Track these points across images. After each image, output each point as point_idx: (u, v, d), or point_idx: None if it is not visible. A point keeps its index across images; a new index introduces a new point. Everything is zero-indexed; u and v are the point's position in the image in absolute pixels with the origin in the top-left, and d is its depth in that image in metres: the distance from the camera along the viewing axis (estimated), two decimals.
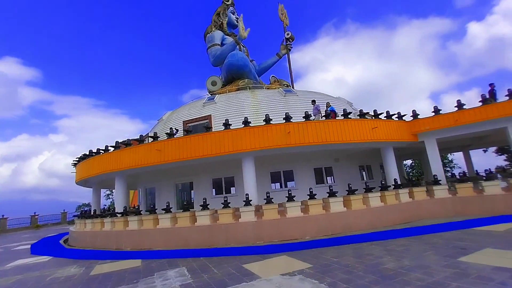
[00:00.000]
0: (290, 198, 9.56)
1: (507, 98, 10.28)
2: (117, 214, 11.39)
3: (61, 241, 14.06)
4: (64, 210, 32.44)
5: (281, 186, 13.69)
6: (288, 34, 26.62)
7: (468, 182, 10.46)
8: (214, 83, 21.19)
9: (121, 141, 14.09)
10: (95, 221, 11.74)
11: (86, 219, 12.65)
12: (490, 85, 11.69)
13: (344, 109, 11.20)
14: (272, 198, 9.59)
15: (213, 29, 26.11)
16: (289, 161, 13.33)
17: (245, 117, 10.55)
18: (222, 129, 10.63)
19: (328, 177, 14.04)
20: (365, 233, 8.67)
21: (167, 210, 10.24)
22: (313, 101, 12.85)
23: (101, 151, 12.91)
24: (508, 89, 10.39)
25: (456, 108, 11.09)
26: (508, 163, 33.87)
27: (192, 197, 15.22)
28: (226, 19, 26.78)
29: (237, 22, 27.79)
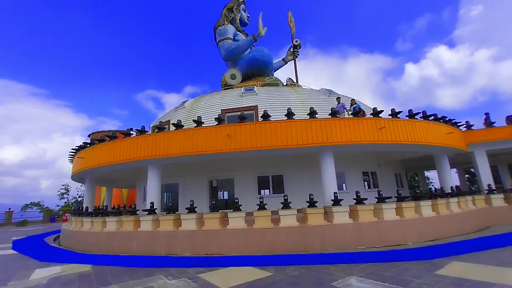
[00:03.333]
0: (381, 200, 8.69)
1: None
2: (155, 211, 9.08)
3: (55, 244, 10.72)
4: (9, 208, 26.11)
5: None
6: (296, 41, 26.32)
7: None
8: (233, 77, 19.68)
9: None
10: (125, 219, 9.13)
11: (100, 216, 9.83)
12: (486, 114, 12.98)
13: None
14: (366, 199, 8.57)
15: (225, 23, 24.77)
16: (340, 162, 12.49)
17: (332, 108, 9.46)
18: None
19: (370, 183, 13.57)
20: (464, 239, 8.18)
21: (236, 207, 8.43)
22: (338, 98, 12.14)
23: (133, 132, 10.37)
24: None
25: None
26: (468, 183, 38.49)
27: (219, 197, 13.26)
28: (239, 15, 25.82)
29: (247, 20, 27.13)
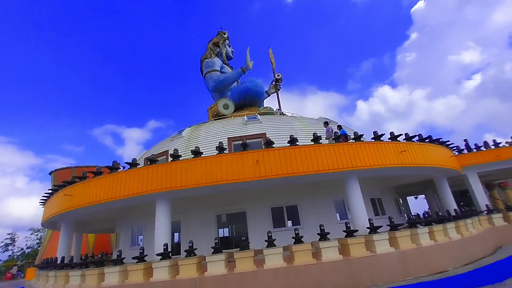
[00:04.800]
0: (412, 225, 8.52)
1: None
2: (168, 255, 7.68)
3: None
4: None
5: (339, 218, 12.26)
6: (278, 76, 27.49)
7: None
8: (226, 106, 19.43)
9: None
10: (131, 267, 7.50)
11: (95, 267, 7.98)
12: (465, 140, 14.44)
13: (354, 132, 10.64)
14: (402, 225, 8.32)
15: (212, 56, 25.46)
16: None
17: (354, 132, 9.52)
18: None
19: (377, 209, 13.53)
20: (497, 260, 8.22)
21: (270, 242, 7.50)
22: (326, 123, 11.84)
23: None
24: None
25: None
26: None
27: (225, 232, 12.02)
28: (225, 50, 26.84)
29: (232, 55, 28.16)
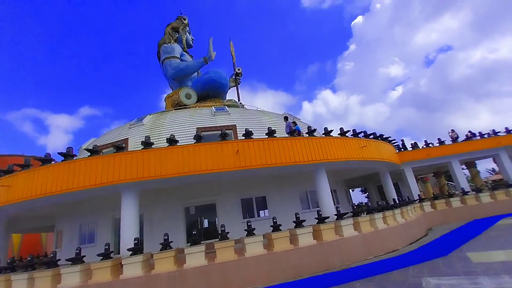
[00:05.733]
0: (370, 211, 9.66)
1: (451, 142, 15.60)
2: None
3: None
4: None
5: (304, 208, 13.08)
6: (239, 70, 27.52)
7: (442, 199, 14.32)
8: (188, 96, 18.58)
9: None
10: (95, 265, 6.72)
11: (47, 267, 6.89)
12: (402, 140, 17.34)
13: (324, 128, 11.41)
14: (363, 212, 9.32)
15: (171, 41, 23.93)
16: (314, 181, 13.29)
17: (324, 127, 10.18)
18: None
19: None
20: (434, 239, 9.94)
21: (250, 231, 7.61)
22: (286, 118, 12.32)
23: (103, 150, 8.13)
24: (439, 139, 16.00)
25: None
26: (367, 200, 47.44)
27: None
28: (185, 36, 25.54)
29: (192, 43, 26.97)
